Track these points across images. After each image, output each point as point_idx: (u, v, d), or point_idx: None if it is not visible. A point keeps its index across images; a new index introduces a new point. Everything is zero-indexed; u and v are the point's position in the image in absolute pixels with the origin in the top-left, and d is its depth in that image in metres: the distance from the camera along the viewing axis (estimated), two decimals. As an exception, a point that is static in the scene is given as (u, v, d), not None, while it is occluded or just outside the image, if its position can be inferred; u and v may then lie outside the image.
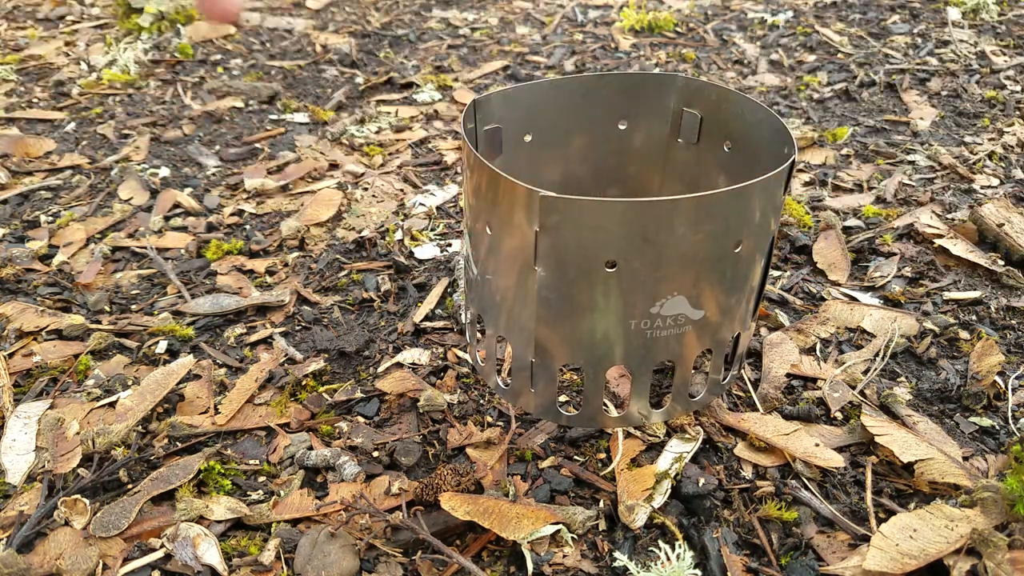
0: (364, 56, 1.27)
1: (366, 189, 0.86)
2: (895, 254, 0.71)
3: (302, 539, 0.45)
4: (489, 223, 0.44)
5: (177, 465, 0.50)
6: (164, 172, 0.90)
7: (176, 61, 1.24)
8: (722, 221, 0.40)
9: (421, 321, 0.64)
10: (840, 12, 1.39)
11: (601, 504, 0.48)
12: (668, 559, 0.43)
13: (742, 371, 0.57)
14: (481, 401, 0.56)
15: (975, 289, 0.66)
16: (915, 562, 0.43)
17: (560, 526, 0.45)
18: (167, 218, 0.81)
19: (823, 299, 0.66)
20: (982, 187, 0.83)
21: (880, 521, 0.46)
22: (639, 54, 1.24)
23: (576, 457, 0.51)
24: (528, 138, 0.56)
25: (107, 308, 0.67)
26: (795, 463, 0.50)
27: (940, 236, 0.73)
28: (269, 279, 0.71)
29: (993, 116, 0.99)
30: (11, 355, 0.61)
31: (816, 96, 1.06)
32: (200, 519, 0.47)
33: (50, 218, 0.82)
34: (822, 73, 1.14)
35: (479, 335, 0.54)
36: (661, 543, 0.44)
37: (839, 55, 1.20)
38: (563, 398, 0.56)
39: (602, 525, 0.46)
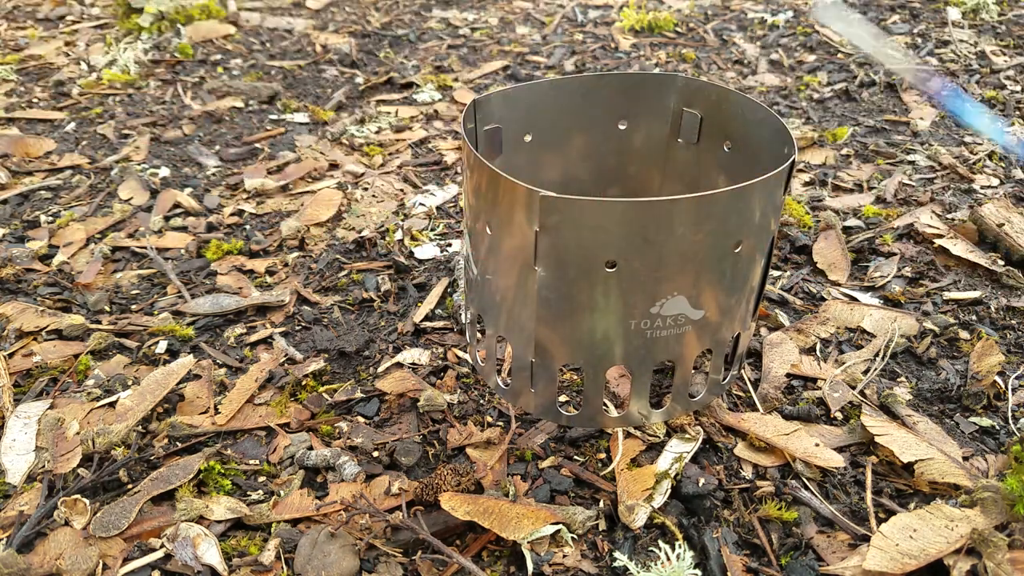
0: (364, 56, 1.27)
1: (366, 189, 0.86)
2: (895, 254, 0.71)
3: (302, 539, 0.45)
4: (489, 223, 0.44)
5: (177, 465, 0.50)
6: (164, 172, 0.90)
7: (176, 61, 1.24)
8: (722, 221, 0.40)
9: (421, 321, 0.64)
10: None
11: (601, 504, 0.48)
12: (668, 559, 0.43)
13: (742, 371, 0.57)
14: (481, 401, 0.56)
15: (975, 289, 0.66)
16: (915, 562, 0.43)
17: (560, 526, 0.45)
18: (167, 218, 0.81)
19: (823, 299, 0.66)
20: (982, 187, 0.83)
21: (880, 521, 0.46)
22: (639, 54, 1.24)
23: (576, 457, 0.51)
24: (528, 138, 0.56)
25: (107, 308, 0.67)
26: (795, 463, 0.50)
27: (940, 236, 0.73)
28: (269, 279, 0.71)
29: (993, 116, 0.99)
30: (11, 355, 0.61)
31: (816, 96, 1.07)
32: (200, 519, 0.47)
33: (50, 218, 0.82)
34: (822, 73, 1.14)
35: (479, 335, 0.54)
36: (661, 543, 0.44)
37: (839, 55, 1.20)
38: (563, 398, 0.56)
39: (602, 525, 0.46)
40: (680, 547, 0.44)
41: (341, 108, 1.08)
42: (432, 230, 0.78)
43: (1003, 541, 0.43)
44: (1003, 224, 0.72)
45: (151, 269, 0.73)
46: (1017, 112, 0.99)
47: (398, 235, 0.76)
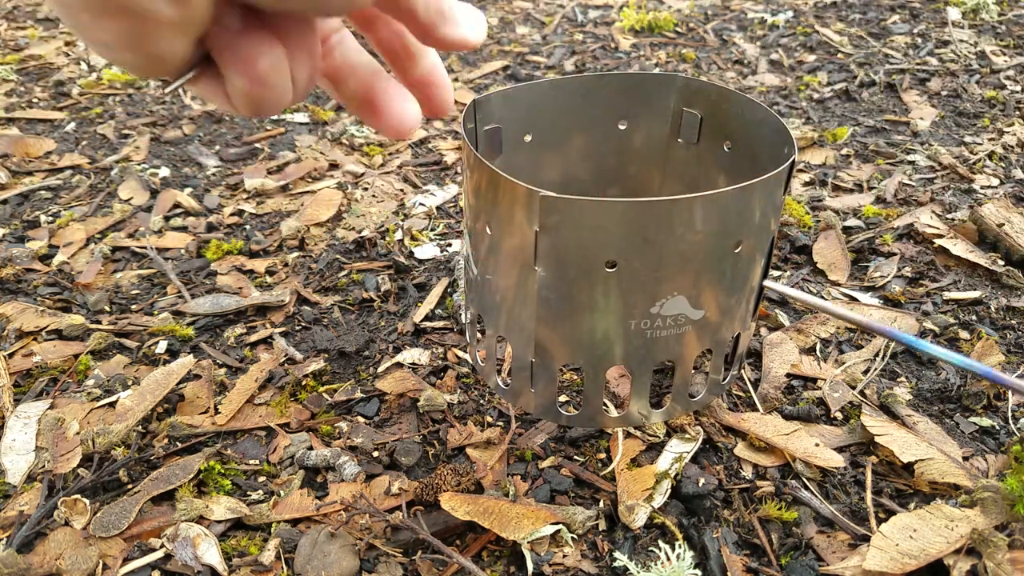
0: (364, 56, 1.26)
1: (366, 189, 0.86)
2: (895, 254, 0.71)
3: (302, 539, 0.45)
4: (489, 223, 0.44)
5: (177, 465, 0.50)
6: (164, 172, 0.90)
7: (176, 61, 1.24)
8: (722, 221, 0.40)
9: (421, 321, 0.64)
10: (840, 12, 1.39)
11: (601, 504, 0.48)
12: (668, 559, 0.43)
13: (742, 371, 0.57)
14: (481, 401, 0.56)
15: (975, 289, 0.66)
16: (915, 562, 0.43)
17: (560, 526, 0.45)
18: (167, 218, 0.81)
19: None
20: (982, 187, 0.83)
21: (880, 521, 0.46)
22: (639, 54, 1.24)
23: (576, 457, 0.51)
24: (528, 138, 0.56)
25: (107, 308, 0.67)
26: (795, 463, 0.50)
27: (940, 236, 0.73)
28: (269, 279, 0.71)
29: (993, 116, 0.99)
30: (11, 355, 0.61)
31: (816, 96, 1.06)
32: (200, 519, 0.47)
33: (50, 218, 0.82)
34: (822, 73, 1.14)
35: (479, 335, 0.54)
36: (661, 543, 0.44)
37: (839, 55, 1.20)
38: (563, 398, 0.56)
39: (602, 525, 0.46)
40: (680, 547, 0.44)
41: (341, 108, 1.08)
42: (432, 230, 0.78)
43: (1003, 541, 0.43)
44: (1003, 224, 0.72)
45: (151, 269, 0.73)
46: (1017, 112, 0.99)
47: (398, 235, 0.76)
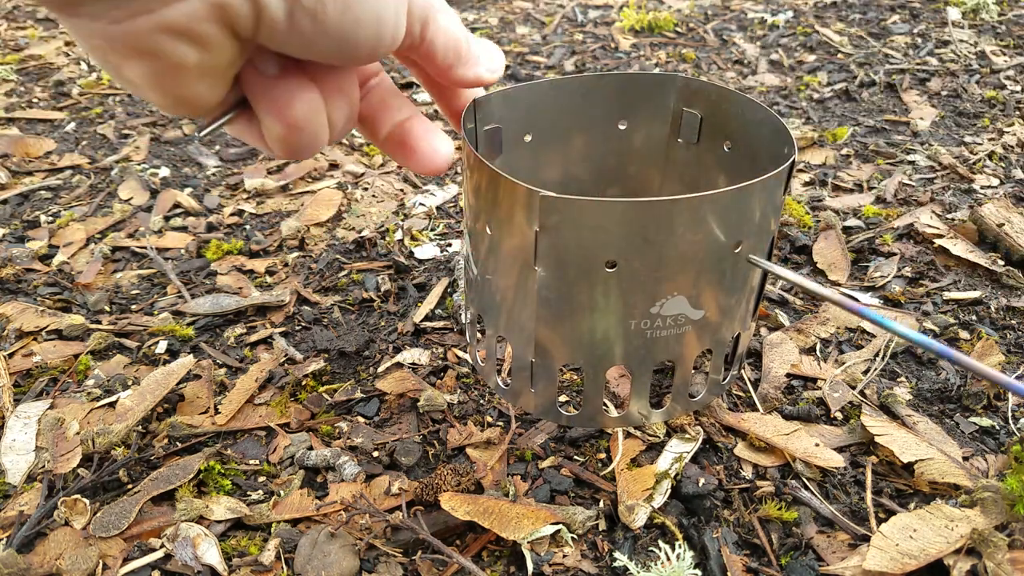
0: (364, 56, 1.26)
1: (366, 189, 0.86)
2: (895, 254, 0.71)
3: (302, 539, 0.45)
4: (489, 223, 0.44)
5: (177, 465, 0.50)
6: (164, 172, 0.90)
7: (176, 61, 1.24)
8: (722, 221, 0.40)
9: (421, 321, 0.64)
10: (840, 12, 1.39)
11: (601, 504, 0.48)
12: (668, 559, 0.43)
13: (742, 371, 0.57)
14: (481, 401, 0.56)
15: (975, 289, 0.66)
16: (915, 562, 0.43)
17: (560, 526, 0.45)
18: (167, 218, 0.81)
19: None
20: (982, 187, 0.83)
21: (880, 521, 0.46)
22: (639, 54, 1.24)
23: (576, 457, 0.51)
24: (528, 138, 0.56)
25: (107, 308, 0.67)
26: (795, 463, 0.50)
27: (940, 236, 0.73)
28: (269, 279, 0.71)
29: (993, 116, 0.99)
30: (11, 355, 0.61)
31: (816, 96, 1.06)
32: (200, 519, 0.47)
33: (50, 218, 0.82)
34: (822, 73, 1.14)
35: (479, 335, 0.54)
36: (661, 543, 0.44)
37: (839, 55, 1.20)
38: (563, 398, 0.56)
39: (602, 525, 0.46)
40: (680, 547, 0.44)
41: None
42: (432, 230, 0.78)
43: (1003, 541, 0.43)
44: (1003, 224, 0.72)
45: (151, 269, 0.73)
46: (1017, 112, 0.99)
47: (398, 235, 0.76)
